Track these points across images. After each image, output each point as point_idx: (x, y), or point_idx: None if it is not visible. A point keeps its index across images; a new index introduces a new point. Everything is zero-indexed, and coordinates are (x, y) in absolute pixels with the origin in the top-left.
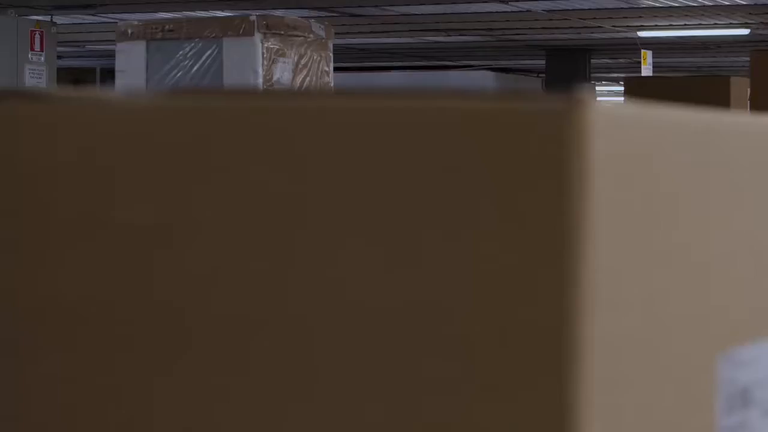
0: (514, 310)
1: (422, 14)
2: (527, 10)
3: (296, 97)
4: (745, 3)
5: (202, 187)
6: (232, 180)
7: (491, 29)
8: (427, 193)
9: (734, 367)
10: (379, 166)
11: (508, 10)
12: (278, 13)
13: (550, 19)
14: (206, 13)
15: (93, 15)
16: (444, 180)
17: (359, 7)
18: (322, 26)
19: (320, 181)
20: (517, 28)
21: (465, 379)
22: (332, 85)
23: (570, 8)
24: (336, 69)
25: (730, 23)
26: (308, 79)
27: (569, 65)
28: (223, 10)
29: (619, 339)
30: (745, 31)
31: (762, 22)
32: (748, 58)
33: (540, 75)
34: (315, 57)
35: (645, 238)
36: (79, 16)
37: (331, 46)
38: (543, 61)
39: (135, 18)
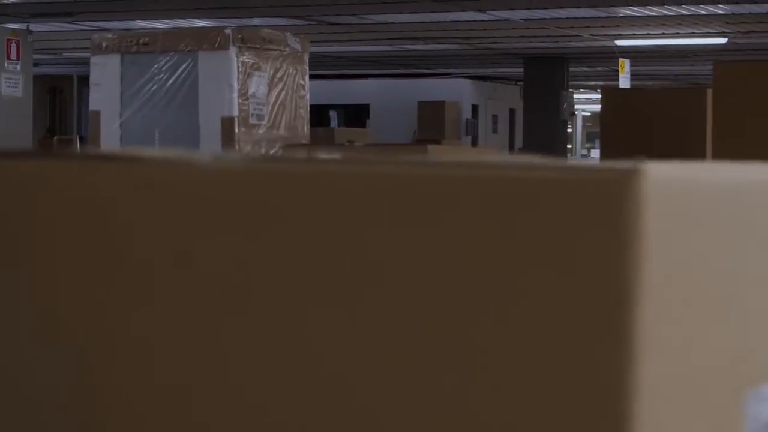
0: (574, 359)
1: (400, 23)
2: (505, 19)
3: (372, 164)
4: (722, 12)
5: (277, 241)
6: (307, 237)
7: (469, 38)
8: (498, 255)
9: (760, 403)
10: (452, 230)
11: (486, 18)
12: (255, 21)
13: (528, 28)
14: (184, 21)
15: (70, 23)
16: (512, 243)
17: (336, 15)
18: (298, 39)
19: (392, 243)
20: (494, 37)
21: (527, 424)
22: (308, 98)
23: (548, 17)
24: (313, 77)
25: (708, 32)
26: (284, 92)
27: (547, 73)
28: (200, 18)
29: (665, 380)
30: (723, 40)
31: (739, 31)
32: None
33: (518, 83)
34: (290, 70)
35: (689, 290)
36: (57, 23)
37: (306, 59)
38: (521, 69)
39: (113, 26)
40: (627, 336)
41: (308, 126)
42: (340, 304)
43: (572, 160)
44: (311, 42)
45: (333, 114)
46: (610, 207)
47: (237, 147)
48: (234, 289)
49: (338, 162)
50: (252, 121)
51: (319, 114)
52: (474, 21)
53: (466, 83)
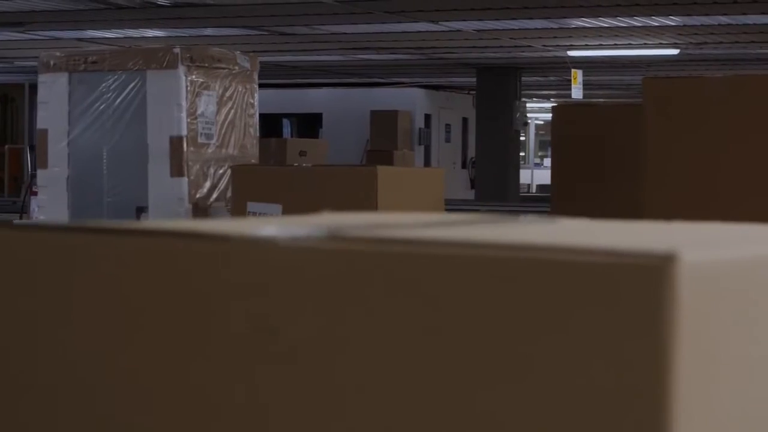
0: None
1: (352, 33)
2: (457, 30)
3: (438, 246)
4: (673, 24)
5: (352, 314)
6: (381, 312)
7: (421, 48)
8: (542, 330)
9: None
10: (499, 309)
11: (438, 29)
12: (208, 31)
13: (481, 39)
14: (135, 31)
15: (21, 32)
16: (558, 321)
17: (289, 26)
18: (247, 58)
19: (453, 320)
20: (447, 47)
21: None
22: (257, 117)
23: (500, 28)
24: (267, 86)
25: (660, 43)
26: (233, 111)
27: (500, 83)
28: (152, 28)
29: None
30: (675, 51)
31: (691, 42)
32: (678, 77)
33: (471, 92)
34: (240, 89)
35: (722, 357)
36: (8, 33)
37: (256, 77)
38: (474, 79)
39: (64, 35)
40: (663, 417)
41: (258, 144)
42: (424, 384)
43: (606, 240)
44: (264, 52)
45: (286, 123)
46: (646, 293)
47: (186, 167)
48: (319, 360)
49: (404, 243)
50: (201, 140)
51: (272, 123)
52: (427, 32)
53: (419, 92)
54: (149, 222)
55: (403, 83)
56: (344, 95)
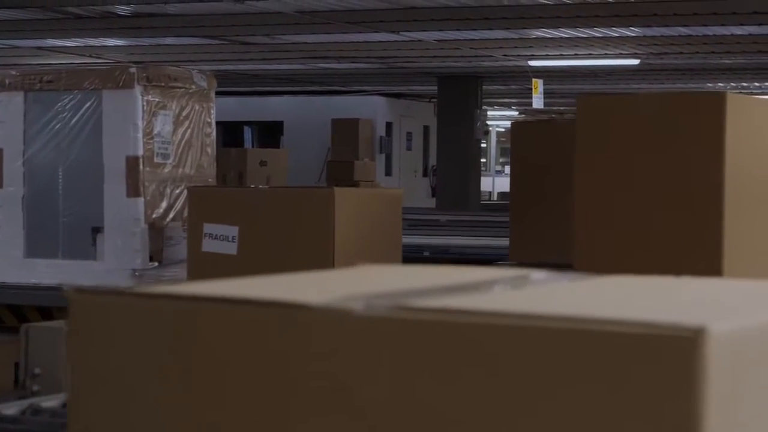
0: None
1: (313, 42)
2: (418, 40)
3: (496, 317)
4: (633, 35)
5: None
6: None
7: (382, 57)
8: (591, 392)
9: None
10: (554, 374)
11: (399, 39)
12: (168, 40)
13: (442, 48)
14: (96, 40)
15: None
16: (603, 384)
17: (250, 35)
18: (204, 77)
19: (513, 384)
20: (408, 56)
21: None
22: (214, 136)
23: (461, 38)
24: (228, 93)
25: (620, 53)
26: (189, 131)
27: (461, 92)
28: (112, 38)
29: None
30: (635, 61)
31: (651, 53)
32: (639, 85)
33: (432, 100)
34: (197, 108)
35: (748, 415)
36: None
37: (213, 96)
38: (435, 87)
39: (23, 44)
40: None
41: (215, 164)
42: None
43: (641, 307)
44: (225, 60)
45: (247, 130)
46: (679, 362)
47: (142, 187)
48: (388, 417)
49: (465, 313)
50: (157, 160)
51: (233, 131)
52: (387, 41)
53: (381, 100)
54: (235, 284)
55: (364, 91)
56: (305, 103)
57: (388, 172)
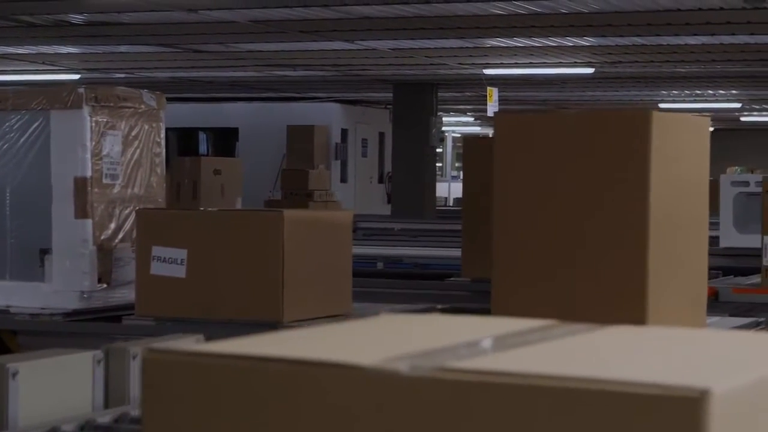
0: None
1: (267, 51)
2: (373, 48)
3: (529, 378)
4: (588, 44)
5: None
6: None
7: (337, 65)
8: None
9: None
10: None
11: (354, 47)
12: (123, 48)
13: (397, 57)
14: (49, 47)
15: None
16: None
17: (203, 44)
18: (153, 96)
19: None
20: (363, 64)
21: None
22: (163, 155)
23: (415, 47)
24: (182, 99)
25: (575, 62)
26: (138, 151)
27: (416, 99)
28: (66, 45)
29: None
30: (590, 70)
31: (606, 61)
32: (594, 93)
33: (388, 106)
34: (146, 128)
35: None
36: None
37: (162, 115)
38: (390, 94)
39: None
40: None
41: (165, 183)
42: None
43: (650, 366)
44: (179, 68)
45: (202, 137)
46: (686, 421)
47: (90, 208)
48: None
49: (498, 374)
50: (105, 181)
51: (188, 137)
52: (342, 50)
53: (336, 107)
54: (289, 339)
55: (319, 98)
56: (261, 109)
57: (344, 179)
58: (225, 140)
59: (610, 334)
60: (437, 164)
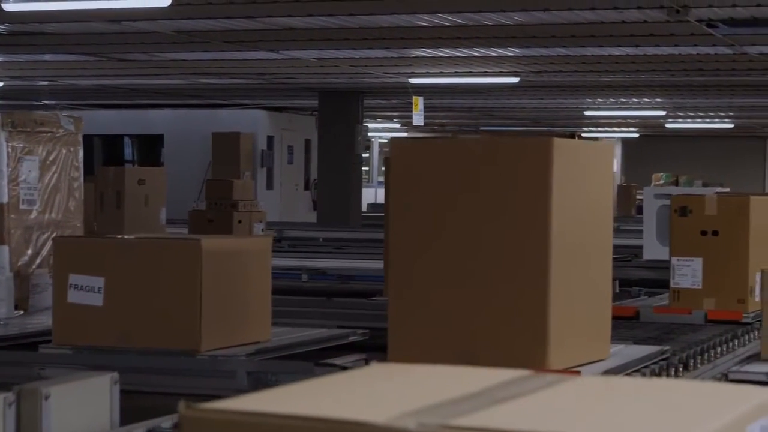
0: None
1: (191, 60)
2: (298, 58)
3: None
4: (512, 54)
5: None
6: None
7: (262, 73)
8: None
9: None
10: None
11: (279, 57)
12: (47, 57)
13: (321, 66)
14: None
15: None
16: None
17: (128, 53)
18: (71, 120)
19: None
20: (288, 73)
21: None
22: (81, 180)
23: (340, 56)
24: (107, 106)
25: (500, 71)
26: (56, 175)
27: (342, 106)
28: None
29: None
30: (515, 79)
31: (531, 71)
32: (519, 100)
33: (314, 113)
34: (64, 152)
35: None
36: None
37: (80, 139)
38: (316, 101)
39: None
40: None
41: (83, 207)
42: None
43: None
44: (103, 76)
45: (128, 143)
46: None
47: (7, 234)
48: None
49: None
50: (23, 206)
51: (113, 143)
52: (267, 59)
53: (262, 114)
54: (302, 394)
55: (245, 105)
56: (186, 116)
57: (270, 186)
58: (150, 147)
59: (586, 387)
60: (364, 168)
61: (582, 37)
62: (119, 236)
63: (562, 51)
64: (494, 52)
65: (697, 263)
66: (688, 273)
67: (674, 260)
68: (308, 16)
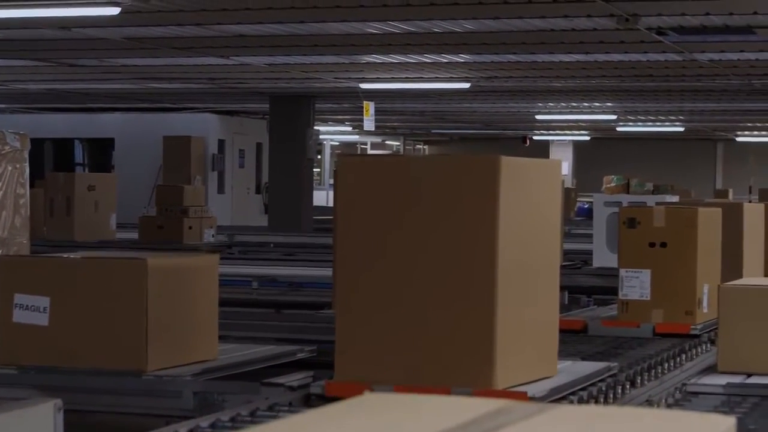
0: None
1: (142, 65)
2: (248, 64)
3: None
4: (463, 61)
5: None
6: None
7: (213, 78)
8: None
9: None
10: None
11: (229, 63)
12: None
13: (272, 71)
14: None
15: None
16: None
17: (77, 59)
18: (17, 137)
19: None
20: (239, 78)
21: None
22: (27, 196)
23: (291, 62)
24: (58, 110)
25: (451, 77)
26: (2, 192)
27: (293, 111)
28: None
29: None
30: (466, 85)
31: (482, 77)
32: (471, 105)
33: (265, 117)
34: (9, 169)
35: None
36: None
37: (26, 155)
38: (268, 106)
39: None
40: None
41: (29, 224)
42: None
43: None
44: (54, 80)
45: (78, 146)
46: None
47: None
48: None
49: None
50: None
51: (64, 147)
52: (217, 65)
53: (213, 118)
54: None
55: (196, 109)
56: (137, 120)
57: (221, 190)
58: (101, 150)
59: (570, 416)
60: (315, 169)
61: (532, 44)
62: (65, 255)
63: (512, 57)
64: (444, 58)
65: (646, 275)
66: (636, 285)
67: (623, 272)
68: (258, 24)
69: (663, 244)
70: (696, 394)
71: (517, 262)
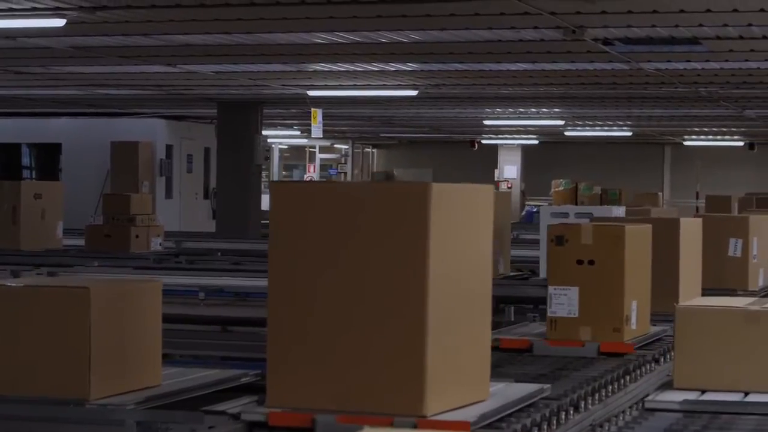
0: None
1: (89, 73)
2: (195, 72)
3: None
4: (410, 69)
5: None
6: None
7: (160, 85)
8: None
9: None
10: None
11: (176, 71)
12: None
13: (219, 79)
14: None
15: None
16: None
17: (24, 66)
18: None
19: None
20: (186, 85)
21: None
22: None
23: (238, 70)
24: (4, 114)
25: (399, 84)
26: None
27: (241, 116)
28: None
29: None
30: (414, 92)
31: (429, 84)
32: (419, 110)
33: (213, 121)
34: None
35: None
36: None
37: None
38: (216, 111)
39: None
40: None
41: None
42: None
43: None
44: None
45: (26, 151)
46: None
47: None
48: None
49: None
50: None
51: (10, 152)
52: (164, 72)
53: (161, 123)
54: None
55: (144, 114)
56: (85, 125)
57: (169, 195)
58: (48, 155)
59: None
60: (264, 170)
61: (479, 54)
62: (5, 284)
63: (459, 66)
64: (392, 66)
65: (574, 292)
66: (564, 302)
67: (551, 289)
68: (205, 34)
69: (591, 262)
70: (653, 411)
71: (449, 287)
